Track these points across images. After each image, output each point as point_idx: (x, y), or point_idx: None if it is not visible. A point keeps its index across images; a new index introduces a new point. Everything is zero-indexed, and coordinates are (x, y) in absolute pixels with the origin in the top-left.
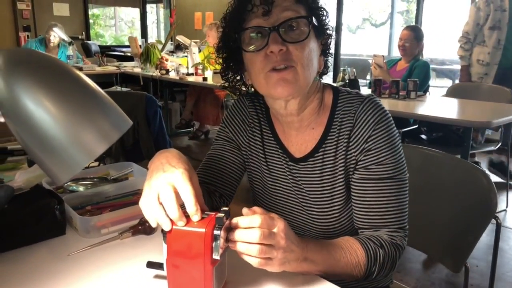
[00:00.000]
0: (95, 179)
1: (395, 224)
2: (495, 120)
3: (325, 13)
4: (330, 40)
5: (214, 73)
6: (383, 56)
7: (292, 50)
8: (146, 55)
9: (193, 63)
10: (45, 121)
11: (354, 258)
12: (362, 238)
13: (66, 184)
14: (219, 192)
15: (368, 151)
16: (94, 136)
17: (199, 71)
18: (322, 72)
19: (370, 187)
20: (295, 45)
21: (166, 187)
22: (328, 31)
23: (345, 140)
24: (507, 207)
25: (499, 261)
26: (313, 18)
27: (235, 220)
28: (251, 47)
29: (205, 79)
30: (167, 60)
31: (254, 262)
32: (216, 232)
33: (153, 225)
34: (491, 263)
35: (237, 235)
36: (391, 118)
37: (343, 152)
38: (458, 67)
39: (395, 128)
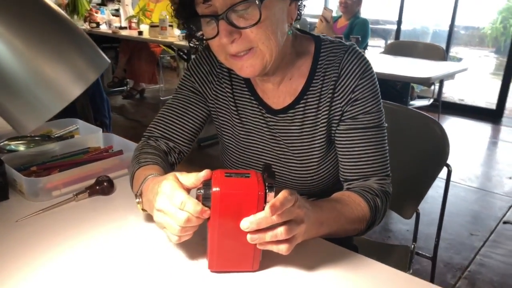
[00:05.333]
0: (36, 138)
1: (382, 172)
2: (434, 75)
3: None
4: None
5: (151, 26)
6: (331, 10)
7: (248, 33)
8: (73, 6)
9: (126, 16)
10: (7, 57)
11: (360, 212)
12: (359, 191)
13: (2, 143)
14: (178, 148)
15: (355, 101)
16: (69, 76)
17: (133, 25)
18: (295, 19)
19: (358, 137)
20: (251, 29)
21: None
22: None
23: (330, 91)
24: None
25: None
26: None
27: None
28: (204, 34)
29: (140, 33)
30: (97, 12)
31: (284, 248)
32: (270, 192)
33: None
34: (439, 209)
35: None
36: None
37: (327, 103)
38: (392, 26)
39: (376, 78)
